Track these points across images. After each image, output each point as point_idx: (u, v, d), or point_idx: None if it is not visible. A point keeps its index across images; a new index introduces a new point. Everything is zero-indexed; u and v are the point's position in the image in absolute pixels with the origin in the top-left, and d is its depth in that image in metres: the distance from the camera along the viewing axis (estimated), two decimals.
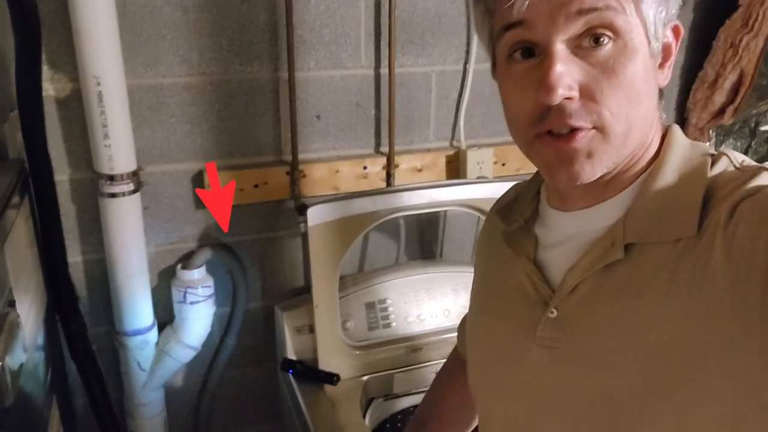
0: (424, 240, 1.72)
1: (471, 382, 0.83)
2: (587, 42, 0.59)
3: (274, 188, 1.50)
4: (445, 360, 1.05)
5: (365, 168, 1.56)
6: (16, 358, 0.80)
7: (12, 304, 0.84)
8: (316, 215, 1.34)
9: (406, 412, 1.49)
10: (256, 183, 1.49)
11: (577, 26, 0.58)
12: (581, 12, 0.58)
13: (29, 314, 0.96)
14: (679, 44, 0.66)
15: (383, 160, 1.57)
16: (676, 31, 0.65)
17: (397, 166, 1.58)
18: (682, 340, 0.57)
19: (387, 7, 1.47)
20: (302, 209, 1.44)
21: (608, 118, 0.60)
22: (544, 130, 0.61)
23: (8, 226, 0.91)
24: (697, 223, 0.58)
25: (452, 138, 1.65)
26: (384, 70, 1.52)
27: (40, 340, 1.04)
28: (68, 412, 1.19)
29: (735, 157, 0.63)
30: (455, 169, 1.63)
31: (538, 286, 0.70)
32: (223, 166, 1.46)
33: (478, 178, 1.59)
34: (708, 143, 1.70)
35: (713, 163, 0.63)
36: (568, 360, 0.66)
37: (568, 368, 0.66)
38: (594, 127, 0.60)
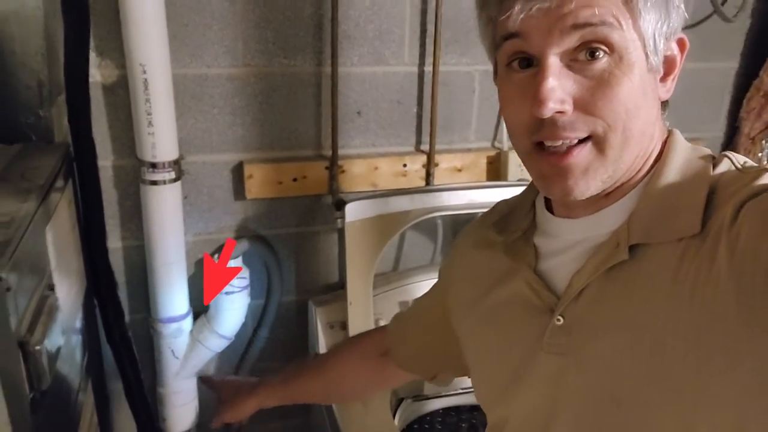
0: None
1: (481, 396, 0.83)
2: (583, 55, 0.59)
3: (313, 182, 1.50)
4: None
5: (405, 166, 1.54)
6: (54, 342, 0.81)
7: (51, 288, 0.85)
8: (353, 211, 1.33)
9: (436, 413, 1.48)
10: (294, 177, 1.48)
11: (571, 40, 0.59)
12: (576, 26, 0.58)
13: (68, 298, 0.97)
14: (684, 57, 0.65)
15: (423, 159, 1.55)
16: (681, 44, 0.65)
17: (437, 165, 1.56)
18: (686, 341, 0.57)
19: (433, 5, 1.45)
20: (340, 205, 1.43)
21: (604, 128, 0.60)
22: (538, 141, 0.62)
23: (51, 209, 0.92)
24: (700, 221, 0.59)
25: (494, 139, 1.62)
26: (427, 68, 1.51)
27: (78, 324, 1.05)
28: (102, 396, 1.21)
29: (737, 159, 0.64)
30: (496, 171, 1.60)
31: (542, 293, 0.69)
32: (262, 159, 1.46)
33: (519, 180, 1.56)
34: (761, 154, 1.65)
35: (715, 165, 0.63)
36: (576, 365, 0.66)
37: (577, 374, 0.66)
38: (590, 137, 0.60)
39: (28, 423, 0.74)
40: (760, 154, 1.63)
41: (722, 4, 1.53)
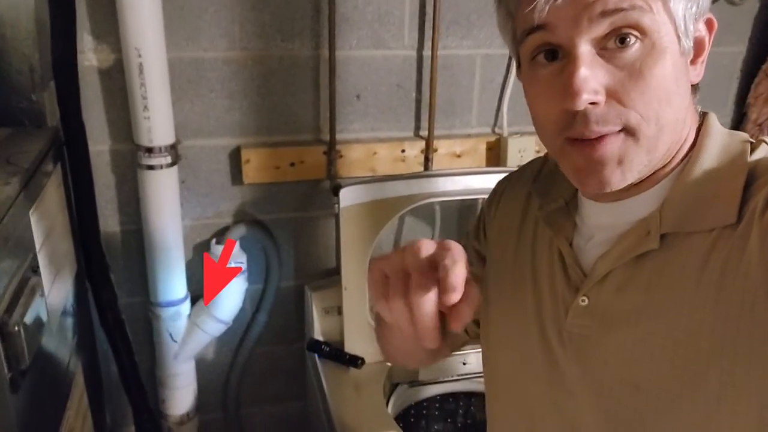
0: (461, 227, 1.68)
1: (491, 361, 0.81)
2: (612, 43, 0.57)
3: (311, 167, 1.50)
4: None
5: (403, 151, 1.53)
6: (35, 323, 0.81)
7: (35, 269, 0.86)
8: (348, 196, 1.33)
9: (432, 400, 1.48)
10: (292, 161, 1.48)
11: (601, 27, 0.56)
12: (605, 13, 0.56)
13: (57, 280, 0.98)
14: (713, 38, 0.63)
15: (422, 144, 1.54)
16: (709, 24, 0.63)
17: (435, 150, 1.55)
18: (711, 329, 0.56)
19: None
20: (337, 190, 1.43)
21: (637, 120, 0.57)
22: (572, 137, 0.60)
23: (37, 192, 0.92)
24: (737, 211, 0.56)
25: (494, 124, 1.60)
26: (427, 52, 1.49)
27: (69, 306, 1.06)
28: (95, 378, 1.22)
29: None
30: (496, 157, 1.59)
31: (571, 270, 0.68)
32: (260, 143, 1.46)
33: (519, 166, 1.54)
34: None
35: (752, 150, 0.60)
36: (597, 348, 0.65)
37: (597, 357, 0.65)
38: (623, 129, 0.58)
39: (7, 402, 0.74)
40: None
41: None
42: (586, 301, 0.65)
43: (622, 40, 0.56)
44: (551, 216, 0.72)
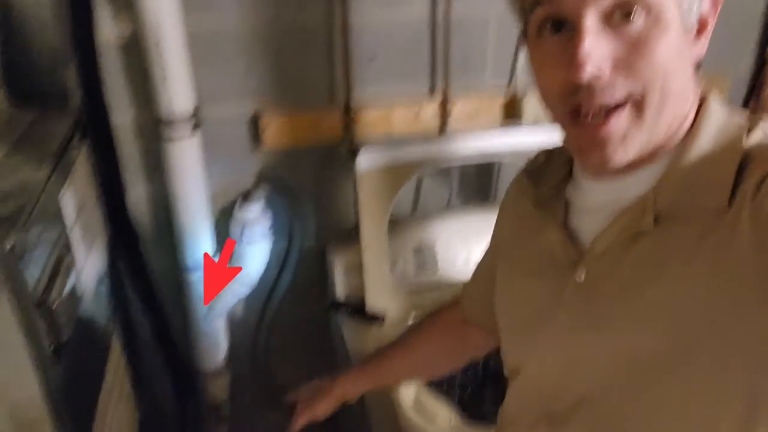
0: (479, 183, 1.71)
1: (503, 346, 0.85)
2: (618, 17, 0.58)
3: (328, 131, 1.52)
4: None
5: (419, 112, 1.55)
6: (72, 297, 0.87)
7: (68, 247, 0.91)
8: (365, 159, 1.35)
9: None
10: (309, 126, 1.50)
11: (606, 1, 0.57)
12: None
13: (89, 254, 1.04)
14: (718, 13, 0.64)
15: (437, 104, 1.55)
16: (714, 1, 0.63)
17: (451, 110, 1.55)
18: (704, 307, 0.58)
19: None
20: (354, 153, 1.45)
21: (642, 89, 0.59)
22: (576, 104, 0.61)
23: (68, 171, 0.97)
24: (728, 194, 0.58)
25: (510, 83, 1.60)
26: (441, 12, 1.48)
27: (102, 275, 1.12)
28: (131, 342, 1.29)
29: None
30: (511, 114, 1.59)
31: (568, 250, 0.71)
32: (277, 109, 1.49)
33: (535, 120, 1.55)
34: None
35: (748, 133, 0.62)
36: (594, 323, 0.67)
37: (595, 331, 0.67)
38: (627, 101, 0.59)
39: (52, 370, 0.81)
40: None
41: None
42: (583, 277, 0.68)
43: (627, 14, 0.58)
44: (542, 201, 0.75)
